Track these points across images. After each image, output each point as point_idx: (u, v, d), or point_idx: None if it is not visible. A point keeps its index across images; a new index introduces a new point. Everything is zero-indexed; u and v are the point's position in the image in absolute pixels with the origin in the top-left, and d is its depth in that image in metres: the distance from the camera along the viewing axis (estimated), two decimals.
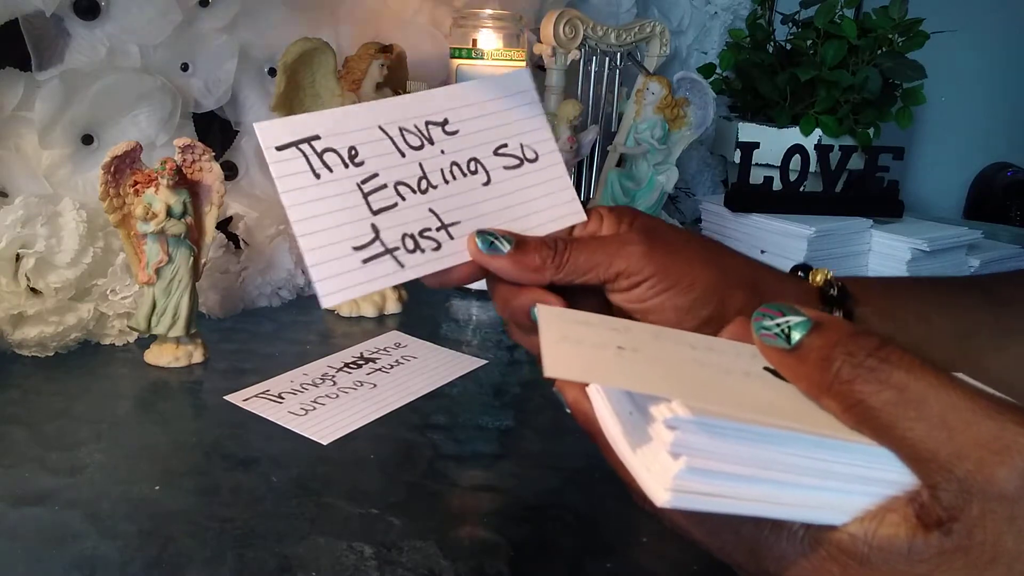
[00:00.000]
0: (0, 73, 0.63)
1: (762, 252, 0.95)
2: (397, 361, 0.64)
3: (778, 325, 0.25)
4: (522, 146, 0.37)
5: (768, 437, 0.23)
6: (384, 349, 0.66)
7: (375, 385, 0.59)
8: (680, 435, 0.22)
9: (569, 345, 0.27)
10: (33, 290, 0.61)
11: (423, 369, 0.63)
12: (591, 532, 0.42)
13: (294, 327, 0.71)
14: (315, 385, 0.59)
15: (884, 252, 0.92)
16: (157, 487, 0.45)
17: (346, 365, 0.63)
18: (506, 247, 0.34)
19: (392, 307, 0.76)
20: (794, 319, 0.25)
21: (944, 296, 0.39)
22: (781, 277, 0.37)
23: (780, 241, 0.93)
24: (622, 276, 0.34)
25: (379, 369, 0.62)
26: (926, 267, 0.89)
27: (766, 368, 0.27)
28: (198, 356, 0.61)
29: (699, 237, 0.37)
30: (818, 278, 0.37)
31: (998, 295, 0.40)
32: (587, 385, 0.28)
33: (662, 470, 0.23)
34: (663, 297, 0.34)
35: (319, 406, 0.55)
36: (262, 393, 0.57)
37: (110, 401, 0.55)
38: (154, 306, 0.60)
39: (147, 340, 0.62)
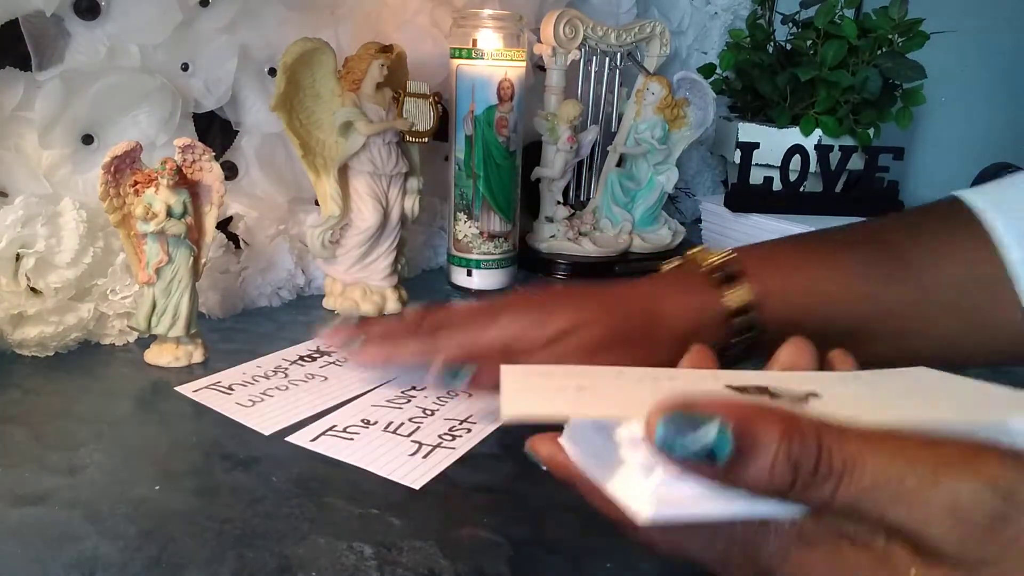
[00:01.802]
0: (0, 73, 0.63)
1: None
2: None
3: (696, 449, 0.22)
4: None
5: None
6: None
7: (326, 378, 0.59)
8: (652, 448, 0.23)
9: (528, 390, 0.28)
10: (33, 290, 0.61)
11: None
12: (591, 532, 0.42)
13: (294, 327, 0.71)
14: (266, 377, 0.59)
15: None
16: (157, 487, 0.45)
17: (301, 358, 0.63)
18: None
19: (392, 307, 0.76)
20: (710, 435, 0.22)
21: (831, 259, 0.43)
22: (667, 284, 0.45)
23: None
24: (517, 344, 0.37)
25: (333, 362, 0.62)
26: None
27: (729, 387, 0.28)
28: (198, 356, 0.61)
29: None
30: (704, 266, 0.42)
31: (894, 254, 0.42)
32: (558, 437, 0.29)
33: (642, 488, 0.23)
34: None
35: (267, 398, 0.56)
36: (213, 384, 0.57)
37: (110, 401, 0.55)
38: (154, 306, 0.60)
39: (147, 340, 0.62)
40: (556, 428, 0.30)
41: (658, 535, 0.25)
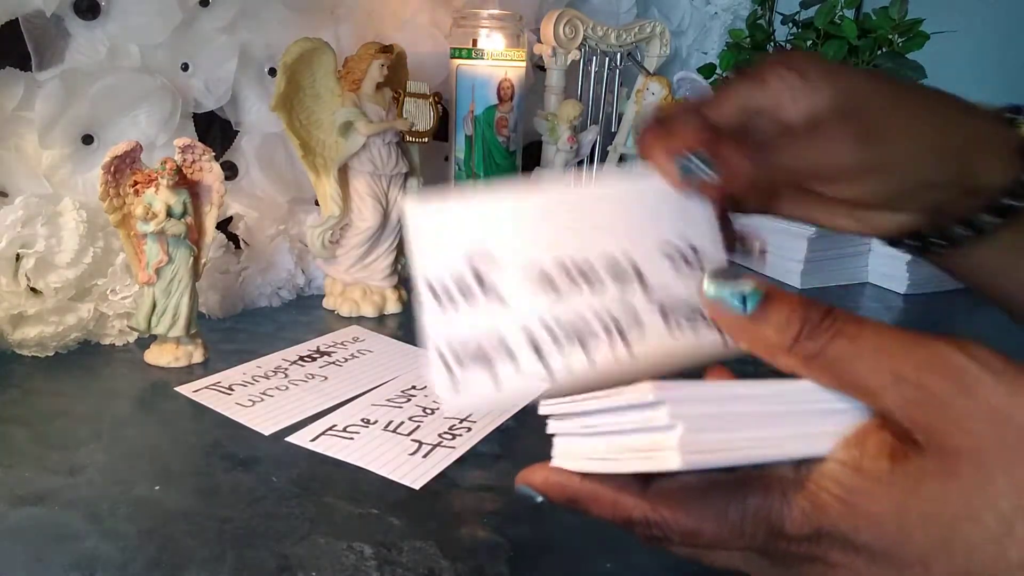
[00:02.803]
0: (0, 73, 0.63)
1: (762, 252, 0.95)
2: (352, 355, 0.64)
3: (732, 293, 0.27)
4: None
5: (738, 394, 0.26)
6: (342, 343, 0.67)
7: (326, 378, 0.59)
8: (672, 406, 0.24)
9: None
10: (33, 290, 0.61)
11: (376, 363, 0.63)
12: (591, 532, 0.42)
13: (294, 327, 0.71)
14: (266, 377, 0.59)
15: (884, 252, 0.92)
16: (157, 487, 0.45)
17: (301, 358, 0.63)
18: (705, 170, 0.31)
19: (392, 307, 0.76)
20: (747, 287, 0.27)
21: None
22: (992, 129, 0.34)
23: (780, 241, 0.93)
24: (828, 177, 0.33)
25: (333, 363, 0.62)
26: (926, 267, 0.89)
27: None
28: (198, 356, 0.61)
29: (911, 87, 0.34)
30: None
31: None
32: (549, 464, 0.30)
33: (665, 442, 0.24)
34: (870, 185, 0.32)
35: (267, 398, 0.56)
36: (213, 384, 0.57)
37: (110, 401, 0.55)
38: (154, 306, 0.60)
39: (147, 340, 0.62)
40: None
41: (671, 522, 0.26)
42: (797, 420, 0.25)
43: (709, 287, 0.27)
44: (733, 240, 0.37)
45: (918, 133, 0.32)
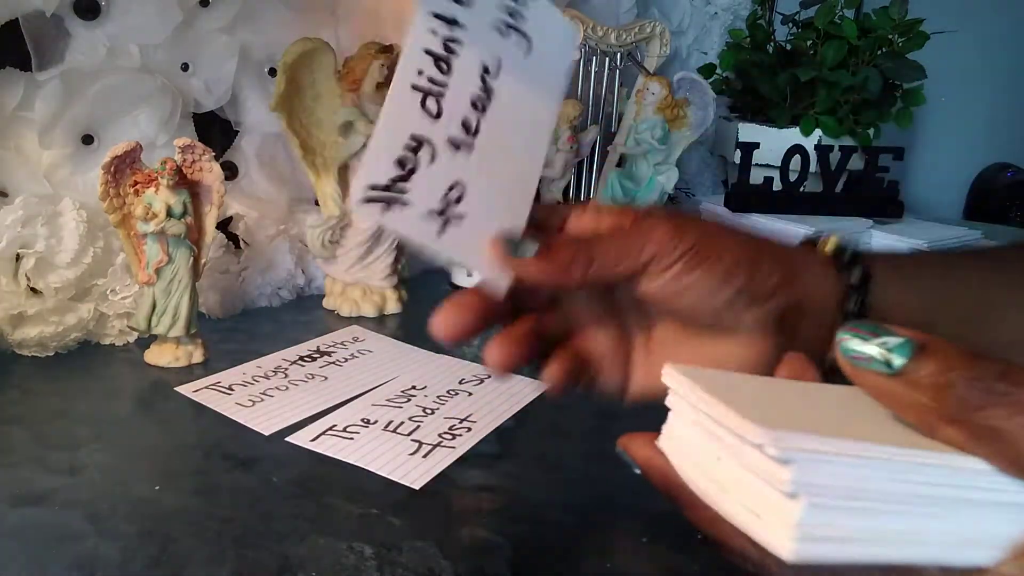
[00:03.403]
0: (0, 73, 0.63)
1: None
2: (352, 355, 0.64)
3: (875, 347, 0.22)
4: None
5: (897, 466, 0.21)
6: (342, 343, 0.67)
7: (326, 378, 0.59)
8: (798, 469, 0.19)
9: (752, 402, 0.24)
10: (33, 290, 0.61)
11: (376, 363, 0.63)
12: (591, 532, 0.42)
13: (294, 327, 0.71)
14: (266, 377, 0.59)
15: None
16: (157, 487, 0.45)
17: (301, 358, 0.63)
18: (532, 249, 0.31)
19: (392, 307, 0.76)
20: (892, 340, 0.22)
21: (954, 267, 0.39)
22: (798, 248, 0.36)
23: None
24: (655, 260, 0.32)
25: (333, 363, 0.62)
26: None
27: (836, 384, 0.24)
28: (198, 356, 0.61)
29: (711, 220, 0.36)
30: (828, 247, 0.36)
31: (1012, 265, 0.39)
32: (656, 440, 0.26)
33: (779, 515, 0.20)
34: (696, 274, 0.32)
35: (267, 398, 0.56)
36: (213, 384, 0.57)
37: (110, 401, 0.55)
38: (154, 306, 0.60)
39: (147, 340, 0.62)
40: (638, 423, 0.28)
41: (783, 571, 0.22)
42: (958, 512, 0.20)
43: (844, 341, 0.23)
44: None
45: (731, 248, 0.33)
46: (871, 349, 0.22)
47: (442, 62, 0.30)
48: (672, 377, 0.26)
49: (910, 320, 0.33)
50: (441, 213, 0.30)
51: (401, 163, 0.29)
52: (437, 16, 0.30)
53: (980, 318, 0.36)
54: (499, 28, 0.32)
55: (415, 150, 0.29)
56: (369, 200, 0.28)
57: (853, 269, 0.35)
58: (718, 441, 0.23)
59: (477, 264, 0.31)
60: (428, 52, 0.29)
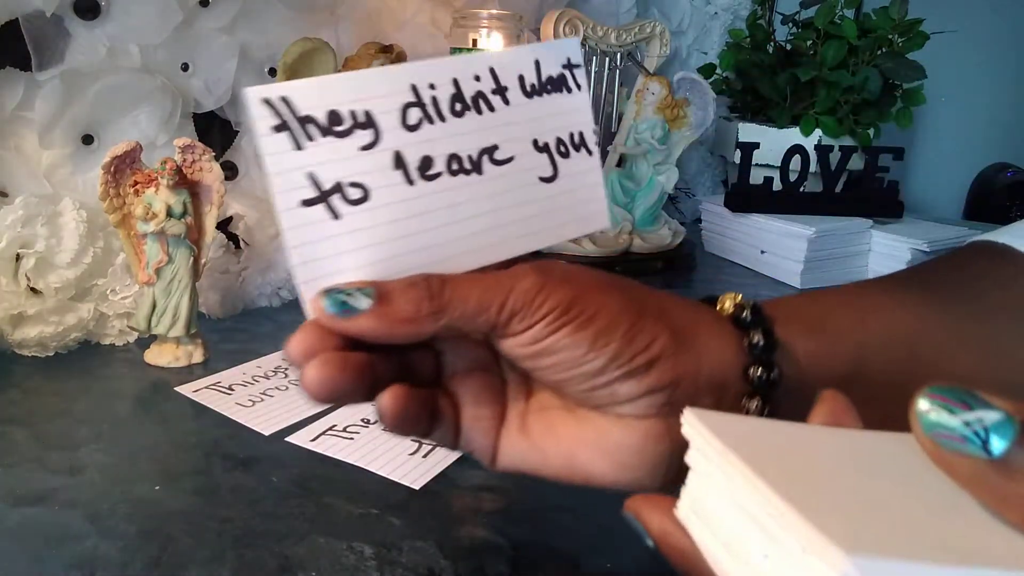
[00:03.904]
0: (0, 73, 0.63)
1: (762, 252, 0.95)
2: None
3: (967, 424, 0.18)
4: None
5: None
6: None
7: None
8: None
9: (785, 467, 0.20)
10: (33, 290, 0.61)
11: None
12: (591, 532, 0.42)
13: (294, 327, 0.70)
14: (266, 377, 0.59)
15: (884, 252, 0.93)
16: (157, 487, 0.45)
17: None
18: (365, 302, 0.27)
19: None
20: (988, 415, 0.18)
21: (878, 296, 0.34)
22: (691, 305, 0.32)
23: (780, 241, 0.93)
24: (516, 317, 0.28)
25: None
26: None
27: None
28: (198, 356, 0.61)
29: (599, 271, 0.32)
30: (727, 304, 0.32)
31: (940, 288, 0.35)
32: (674, 508, 0.23)
33: None
34: (561, 336, 0.28)
35: (267, 398, 0.56)
36: (213, 384, 0.57)
37: (110, 401, 0.55)
38: (154, 306, 0.60)
39: (147, 340, 0.62)
40: None
41: None
42: None
43: (927, 413, 0.19)
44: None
45: (606, 308, 0.29)
46: (961, 426, 0.18)
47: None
48: (696, 431, 0.21)
49: (831, 375, 0.31)
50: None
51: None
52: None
53: (916, 358, 0.32)
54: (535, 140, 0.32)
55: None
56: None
57: (754, 330, 0.30)
58: (765, 534, 0.18)
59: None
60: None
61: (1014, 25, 1.41)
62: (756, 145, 0.98)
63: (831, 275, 0.92)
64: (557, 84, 0.32)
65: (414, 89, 0.28)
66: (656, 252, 0.95)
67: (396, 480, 0.46)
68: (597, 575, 0.39)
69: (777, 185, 0.97)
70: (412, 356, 0.30)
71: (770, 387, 0.30)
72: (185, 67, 0.73)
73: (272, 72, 0.78)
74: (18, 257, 0.61)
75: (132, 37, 0.68)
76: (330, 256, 0.28)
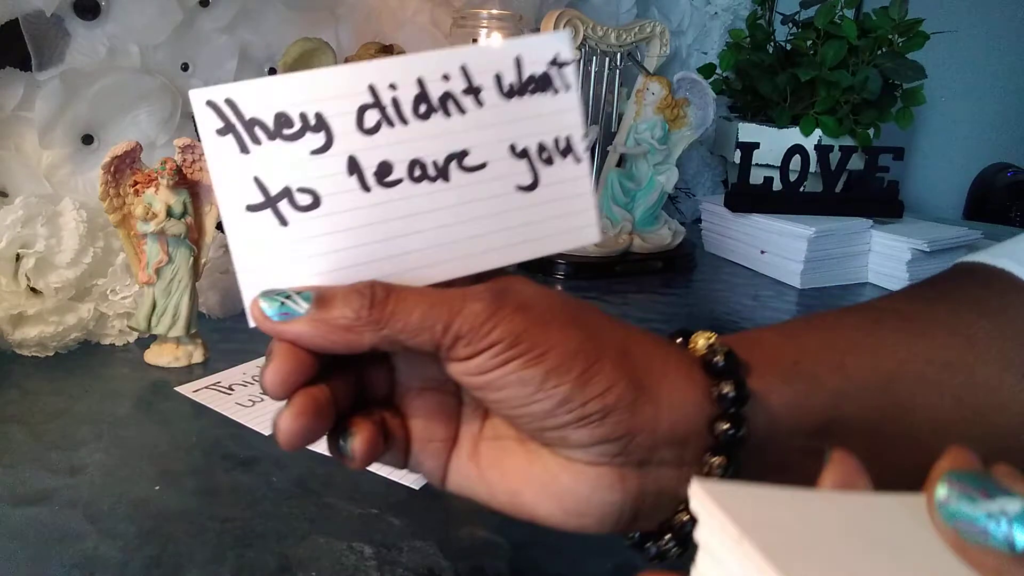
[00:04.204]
0: (0, 73, 0.63)
1: (762, 252, 0.95)
2: None
3: (989, 515, 0.17)
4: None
5: None
6: None
7: None
8: None
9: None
10: (33, 290, 0.61)
11: None
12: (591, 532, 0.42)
13: None
14: None
15: (884, 252, 0.93)
16: (157, 487, 0.45)
17: None
18: (304, 306, 0.26)
19: None
20: (1012, 505, 0.16)
21: (855, 333, 0.32)
22: (659, 345, 0.30)
23: (780, 241, 0.93)
24: (461, 342, 0.26)
25: None
26: (926, 268, 0.89)
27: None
28: (198, 356, 0.61)
29: (566, 297, 0.29)
30: (699, 343, 0.30)
31: (916, 320, 0.33)
32: None
33: None
34: (508, 370, 0.26)
35: (267, 398, 0.55)
36: (213, 384, 0.57)
37: (110, 401, 0.55)
38: (154, 306, 0.60)
39: (147, 340, 0.62)
40: None
41: None
42: None
43: (947, 502, 0.17)
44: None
45: (561, 345, 0.27)
46: (983, 517, 0.17)
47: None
48: (709, 511, 0.20)
49: (807, 425, 0.28)
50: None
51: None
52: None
53: (894, 401, 0.31)
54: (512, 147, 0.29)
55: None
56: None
57: (725, 380, 0.28)
58: None
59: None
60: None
61: (1014, 25, 1.41)
62: (756, 145, 0.98)
63: (831, 275, 0.92)
64: (541, 84, 0.29)
65: (372, 90, 0.27)
66: (656, 252, 0.95)
67: (396, 480, 0.46)
68: (597, 575, 0.39)
69: (777, 185, 0.97)
70: (367, 372, 0.29)
71: (736, 445, 0.28)
72: (185, 67, 0.73)
73: (272, 72, 0.78)
74: (18, 257, 0.61)
75: (132, 37, 0.68)
76: (277, 264, 0.27)
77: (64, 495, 0.43)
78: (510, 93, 0.29)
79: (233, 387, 0.57)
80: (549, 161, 0.30)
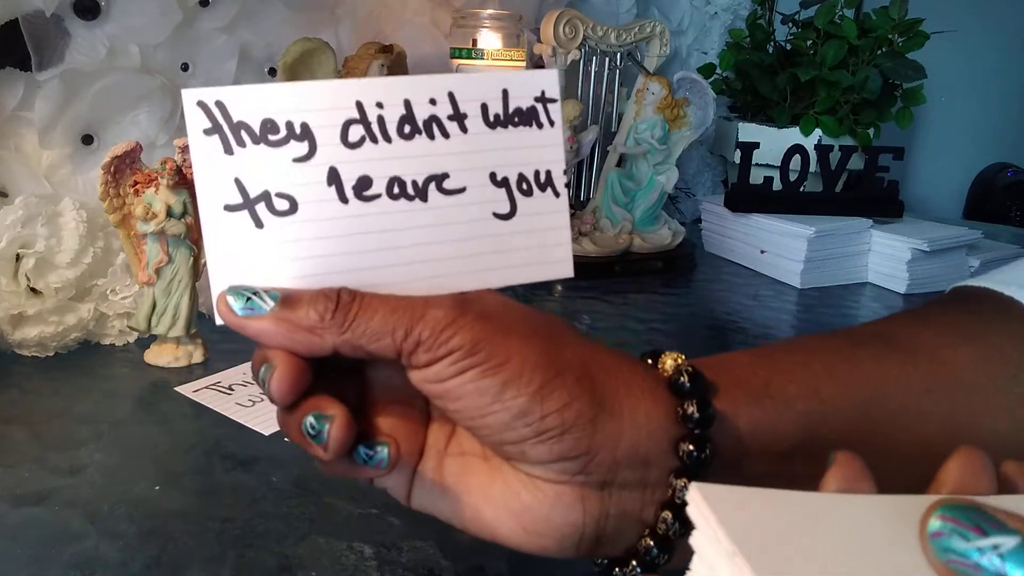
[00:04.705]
0: (0, 73, 0.63)
1: (762, 252, 0.95)
2: None
3: (981, 552, 0.17)
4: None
5: None
6: None
7: None
8: None
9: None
10: (33, 290, 0.61)
11: None
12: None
13: None
14: None
15: (884, 252, 0.93)
16: (157, 487, 0.45)
17: None
18: (269, 304, 0.26)
19: None
20: (1005, 541, 0.16)
21: (833, 357, 0.32)
22: (624, 363, 0.29)
23: (780, 241, 0.93)
24: (420, 348, 0.26)
25: None
26: (926, 267, 0.89)
27: None
28: (198, 356, 0.61)
29: (532, 310, 0.29)
30: (667, 364, 0.29)
31: (897, 345, 0.33)
32: None
33: None
34: (465, 380, 0.26)
35: (267, 398, 0.55)
36: (213, 384, 0.57)
37: (110, 401, 0.55)
38: (154, 306, 0.60)
39: (147, 340, 0.62)
40: None
41: None
42: None
43: (940, 537, 0.17)
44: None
45: (520, 357, 0.26)
46: (976, 552, 0.17)
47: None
48: (704, 519, 0.19)
49: (779, 445, 0.28)
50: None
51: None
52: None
53: (872, 422, 0.30)
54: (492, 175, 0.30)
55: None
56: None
57: (689, 400, 0.27)
58: None
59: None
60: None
61: (1014, 25, 1.41)
62: (756, 145, 0.98)
63: (831, 275, 0.92)
64: (527, 117, 0.30)
65: (359, 106, 0.28)
66: (656, 252, 0.95)
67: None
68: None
69: (777, 185, 0.97)
70: (338, 383, 0.29)
71: (702, 466, 0.27)
72: (185, 67, 0.73)
73: (272, 72, 0.78)
74: (18, 257, 0.61)
75: (132, 37, 0.68)
76: (249, 264, 0.27)
77: (64, 495, 0.43)
78: (495, 123, 0.29)
79: (233, 387, 0.57)
80: (528, 192, 0.30)
